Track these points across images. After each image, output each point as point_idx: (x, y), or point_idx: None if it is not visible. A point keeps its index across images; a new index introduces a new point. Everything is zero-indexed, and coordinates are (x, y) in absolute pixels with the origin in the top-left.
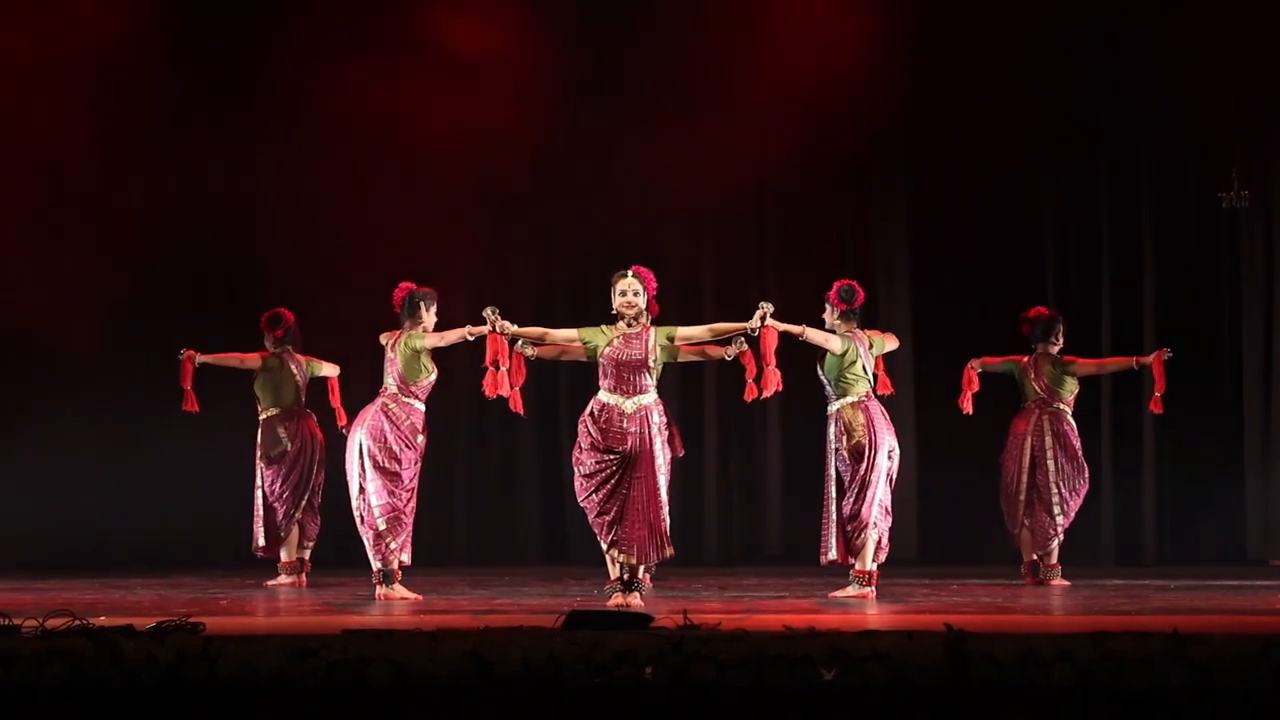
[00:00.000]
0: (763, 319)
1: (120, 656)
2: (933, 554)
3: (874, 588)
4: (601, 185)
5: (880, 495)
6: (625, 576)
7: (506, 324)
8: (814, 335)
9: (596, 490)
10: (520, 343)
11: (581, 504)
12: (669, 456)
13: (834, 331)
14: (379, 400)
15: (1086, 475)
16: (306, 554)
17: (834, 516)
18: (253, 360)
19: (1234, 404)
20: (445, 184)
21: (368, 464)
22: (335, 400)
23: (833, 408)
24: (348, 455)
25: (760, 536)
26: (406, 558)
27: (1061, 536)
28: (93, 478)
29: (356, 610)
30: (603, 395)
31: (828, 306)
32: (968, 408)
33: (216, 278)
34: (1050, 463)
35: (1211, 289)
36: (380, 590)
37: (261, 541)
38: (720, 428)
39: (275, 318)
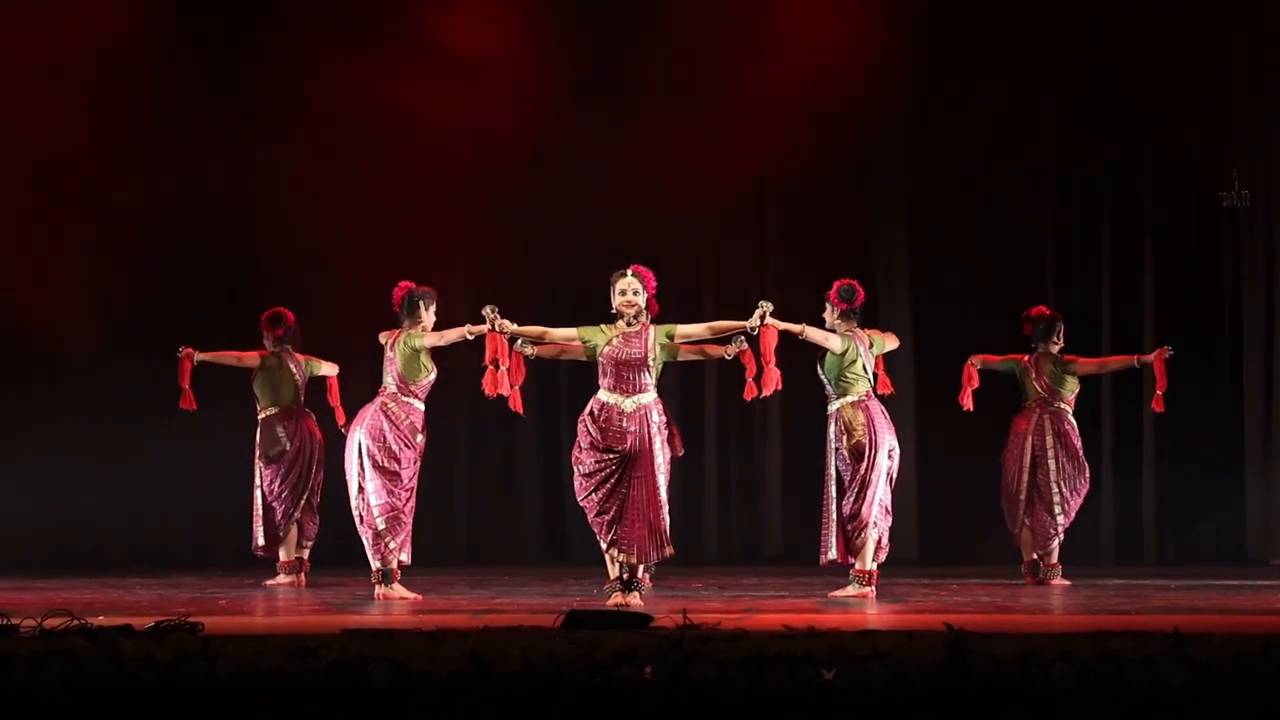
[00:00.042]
0: (762, 317)
1: (119, 656)
2: (933, 554)
3: (874, 587)
4: (601, 185)
5: (880, 495)
6: (625, 576)
7: (506, 323)
8: (813, 334)
9: (596, 489)
10: (520, 342)
11: (581, 503)
12: (669, 456)
13: (834, 331)
14: (378, 399)
15: (1087, 475)
16: (305, 553)
17: (834, 516)
18: (251, 359)
19: (1234, 404)
20: (445, 184)
21: (367, 463)
22: (334, 400)
23: (833, 407)
24: (347, 454)
25: (760, 536)
26: (406, 557)
27: (1062, 536)
28: (92, 478)
29: (356, 610)
30: (602, 394)
31: (828, 306)
32: (968, 404)
33: (216, 278)
34: (1051, 462)
35: (1212, 289)
36: (379, 590)
37: (261, 541)
38: (720, 428)
39: (276, 317)
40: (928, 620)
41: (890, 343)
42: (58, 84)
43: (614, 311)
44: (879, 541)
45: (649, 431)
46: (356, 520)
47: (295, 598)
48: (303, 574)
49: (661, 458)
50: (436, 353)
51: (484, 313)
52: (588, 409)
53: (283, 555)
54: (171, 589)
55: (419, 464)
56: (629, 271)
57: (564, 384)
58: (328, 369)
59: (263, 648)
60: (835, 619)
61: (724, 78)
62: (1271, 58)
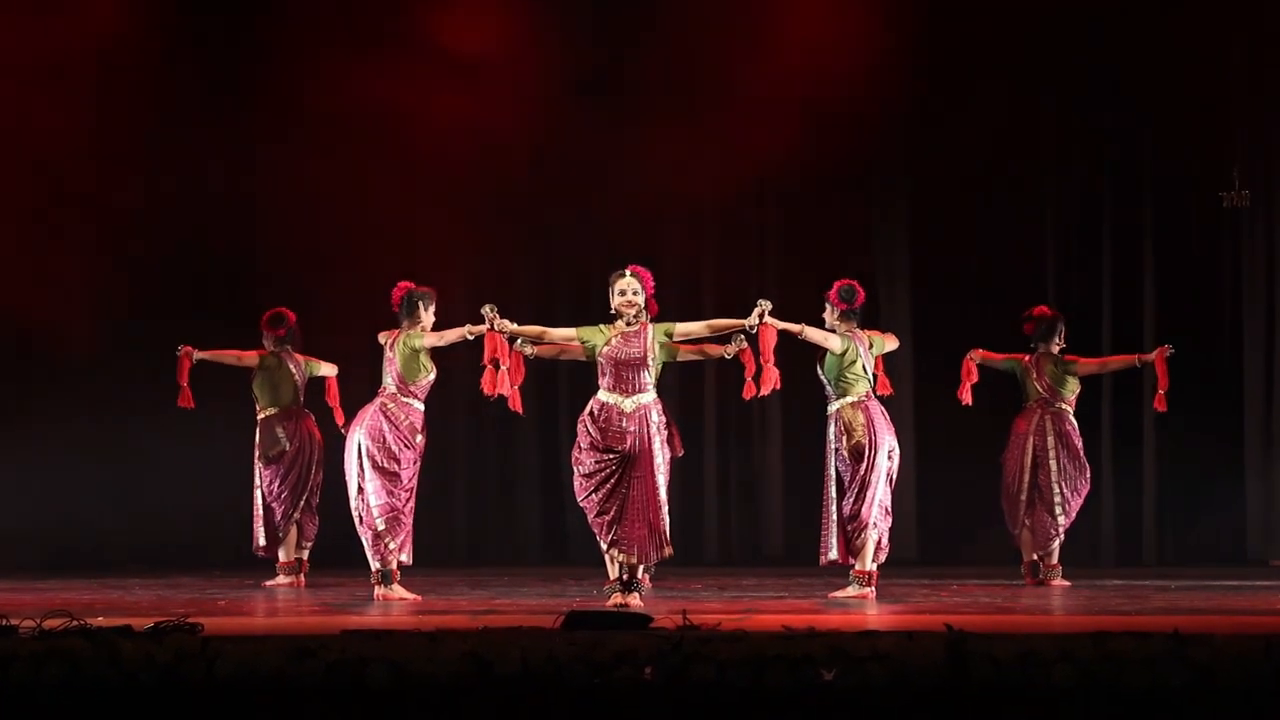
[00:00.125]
0: (761, 316)
1: (118, 657)
2: (932, 554)
3: (874, 588)
4: (601, 185)
5: (880, 495)
6: (624, 576)
7: (505, 322)
8: (813, 334)
9: (596, 490)
10: (519, 341)
11: (581, 504)
12: (668, 456)
13: (833, 331)
14: (378, 400)
15: (1088, 475)
16: (305, 554)
17: (834, 516)
18: (250, 358)
19: (1234, 404)
20: (445, 184)
21: (366, 464)
22: (333, 400)
23: (832, 408)
24: (346, 455)
25: (760, 536)
26: (407, 557)
27: (1062, 536)
28: (92, 478)
29: (355, 610)
30: (602, 394)
31: (828, 306)
32: (966, 398)
33: (216, 278)
34: (1052, 462)
35: (1212, 289)
36: (379, 590)
37: (262, 541)
38: (720, 428)
39: (277, 317)
40: (928, 621)
41: (890, 343)
42: (58, 84)
43: (613, 312)
44: (879, 542)
45: (649, 431)
46: (356, 521)
47: (295, 598)
48: (302, 575)
49: (661, 458)
50: (436, 353)
51: (483, 312)
52: (587, 409)
53: (282, 556)
54: (171, 590)
55: (419, 464)
56: (627, 272)
57: (564, 384)
58: (327, 369)
59: (262, 648)
60: (835, 619)
61: (724, 78)
62: (1271, 58)
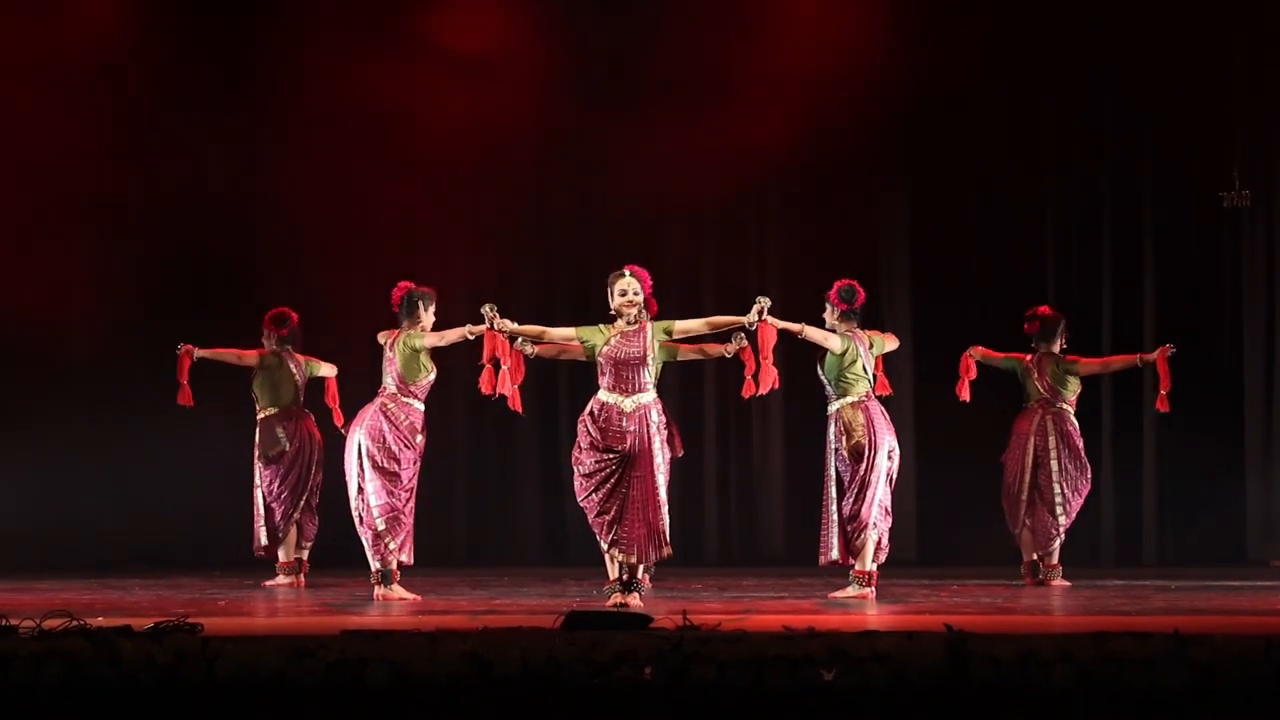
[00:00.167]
0: (760, 313)
1: (118, 657)
2: (932, 554)
3: (874, 588)
4: (602, 184)
5: (880, 495)
6: (625, 577)
7: (505, 321)
8: (813, 334)
9: (596, 490)
10: (520, 340)
11: (581, 504)
12: (668, 456)
13: (833, 331)
14: (378, 400)
15: (1089, 475)
16: (305, 554)
17: (834, 517)
18: (250, 358)
19: (1234, 404)
20: (445, 183)
21: (366, 464)
22: (333, 401)
23: (832, 408)
24: (347, 455)
25: (760, 537)
26: (408, 557)
27: (1063, 536)
28: (92, 478)
29: (355, 611)
30: (602, 394)
31: (828, 306)
32: (965, 395)
33: (216, 277)
34: (1054, 462)
35: (1212, 289)
36: (378, 591)
37: (264, 541)
38: (720, 428)
39: (281, 316)
40: (928, 621)
41: (890, 343)
42: (58, 84)
43: (613, 312)
44: (879, 542)
45: (648, 431)
46: (356, 521)
47: (294, 599)
48: (302, 575)
49: (661, 458)
50: (436, 353)
51: (483, 311)
52: (588, 409)
53: (282, 556)
54: (171, 590)
55: (419, 464)
56: (627, 272)
57: (564, 384)
58: (326, 370)
59: (262, 649)
60: (835, 620)
61: (724, 77)
62: (1271, 58)
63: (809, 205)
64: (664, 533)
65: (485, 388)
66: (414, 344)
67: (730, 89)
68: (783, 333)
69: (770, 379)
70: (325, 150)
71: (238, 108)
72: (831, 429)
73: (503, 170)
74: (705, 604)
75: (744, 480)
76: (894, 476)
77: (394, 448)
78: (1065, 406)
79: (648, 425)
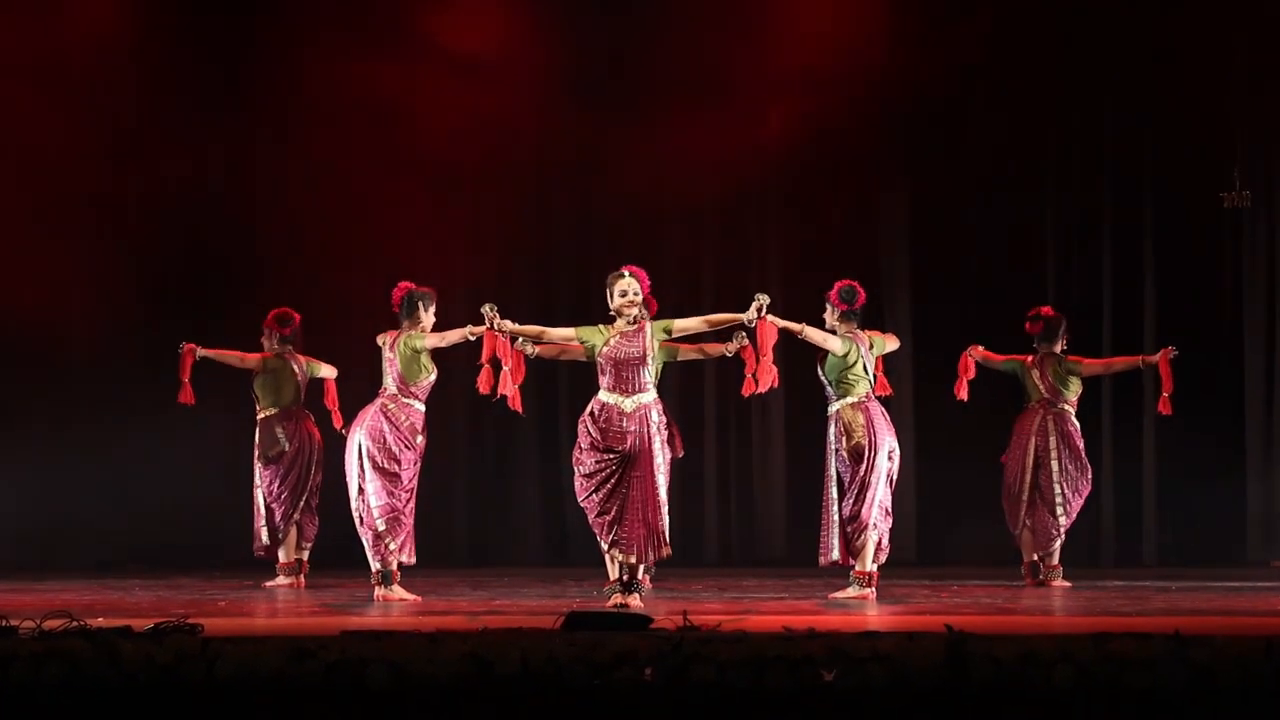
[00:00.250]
0: (759, 310)
1: (118, 658)
2: (932, 555)
3: (874, 589)
4: (602, 184)
5: (880, 496)
6: (625, 577)
7: (505, 322)
8: (813, 334)
9: (596, 490)
10: (520, 340)
11: (582, 504)
12: (669, 456)
13: (834, 332)
14: (378, 401)
15: (1090, 475)
16: (305, 555)
17: (834, 517)
18: (253, 361)
19: (1235, 404)
20: (445, 183)
21: (367, 465)
22: (332, 402)
23: (833, 408)
24: (347, 456)
25: (760, 537)
26: (408, 558)
27: (1063, 537)
28: (92, 478)
29: (355, 611)
30: (602, 395)
31: (828, 306)
32: (963, 394)
33: (216, 277)
34: (1054, 463)
35: (1212, 289)
36: (378, 591)
37: (265, 540)
38: (720, 428)
39: (284, 316)
40: (928, 621)
41: (891, 344)
42: (58, 84)
43: (613, 312)
44: (879, 543)
45: (649, 431)
46: (356, 521)
47: (294, 599)
48: (302, 575)
49: (661, 458)
50: (436, 354)
51: (483, 311)
52: (588, 409)
53: (282, 556)
54: (171, 590)
55: (419, 465)
56: (626, 273)
57: (564, 384)
58: (327, 371)
59: (262, 649)
60: (835, 620)
61: (724, 77)
62: (1271, 58)
63: (809, 205)
64: (664, 533)
65: (484, 387)
66: (414, 345)
67: (730, 89)
68: (783, 332)
69: (770, 377)
70: (325, 150)
71: (238, 107)
72: (831, 429)
73: (503, 170)
74: (705, 604)
75: (744, 480)
76: (894, 477)
77: (394, 448)
78: (1066, 407)
79: (648, 425)
